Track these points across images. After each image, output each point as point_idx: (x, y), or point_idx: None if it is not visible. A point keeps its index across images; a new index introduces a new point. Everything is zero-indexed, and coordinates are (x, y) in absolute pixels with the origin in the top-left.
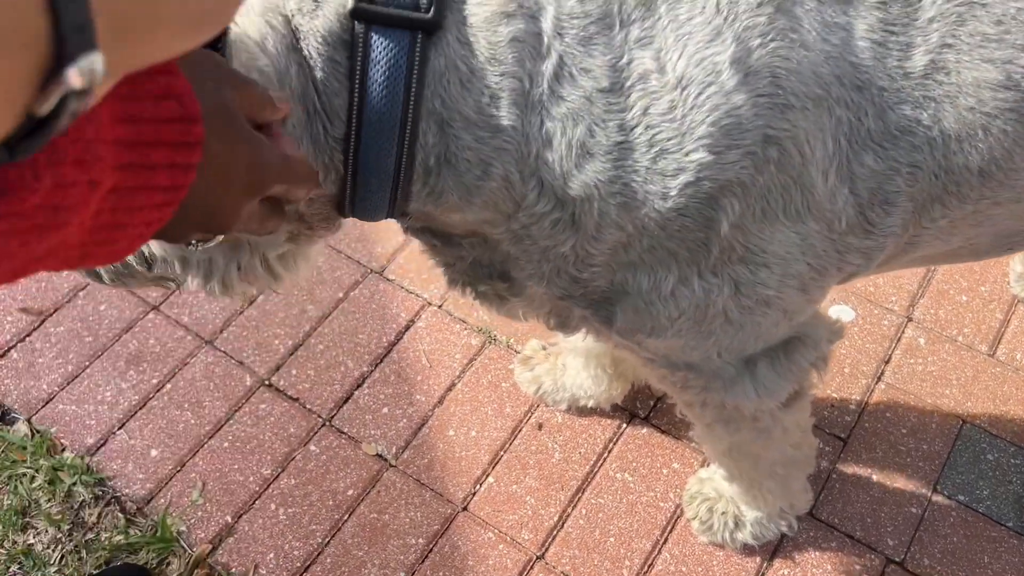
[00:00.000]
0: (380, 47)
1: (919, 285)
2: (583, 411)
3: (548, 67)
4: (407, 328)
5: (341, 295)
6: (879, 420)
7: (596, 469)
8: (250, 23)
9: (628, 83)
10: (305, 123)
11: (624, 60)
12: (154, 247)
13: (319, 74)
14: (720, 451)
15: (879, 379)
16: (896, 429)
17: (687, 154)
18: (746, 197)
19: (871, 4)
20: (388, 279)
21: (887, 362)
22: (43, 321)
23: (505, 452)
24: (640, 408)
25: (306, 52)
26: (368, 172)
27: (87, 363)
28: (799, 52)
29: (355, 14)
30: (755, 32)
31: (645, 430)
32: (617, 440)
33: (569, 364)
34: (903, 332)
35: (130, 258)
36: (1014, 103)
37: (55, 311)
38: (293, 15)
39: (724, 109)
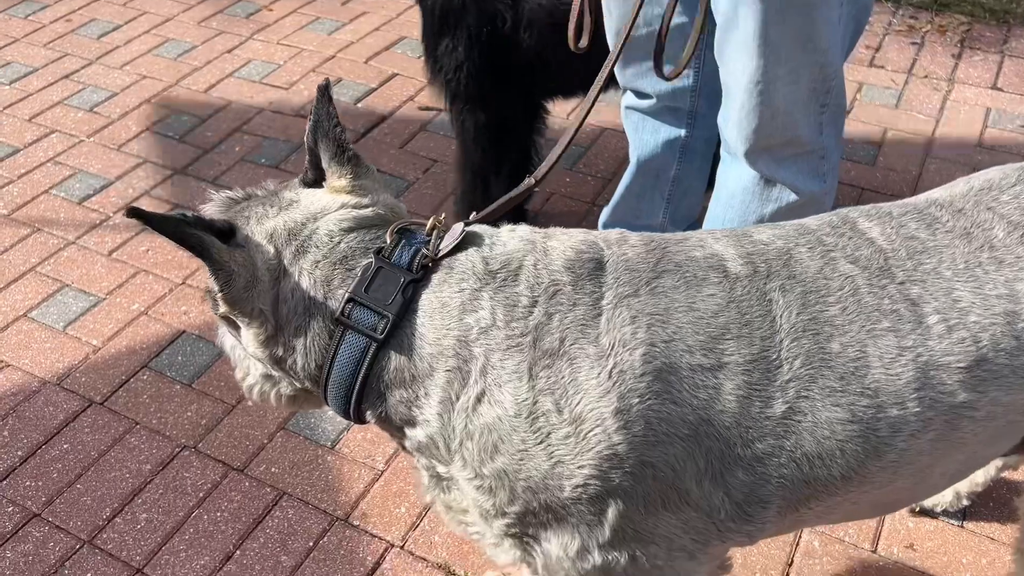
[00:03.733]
0: (347, 342)
1: None
2: None
3: (473, 392)
4: (374, 570)
5: (311, 544)
6: None
7: None
8: (303, 279)
9: (533, 415)
10: (300, 354)
11: (530, 400)
12: (253, 352)
13: (311, 336)
14: None
15: None
16: None
17: (579, 467)
18: (628, 499)
19: (738, 371)
20: (353, 525)
21: (790, 564)
22: None
23: None
24: None
25: (311, 321)
26: (333, 401)
27: None
28: (669, 406)
29: (336, 321)
30: (636, 393)
31: None
32: None
33: None
34: (800, 536)
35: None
36: (860, 431)
37: None
38: (314, 304)
39: (605, 445)
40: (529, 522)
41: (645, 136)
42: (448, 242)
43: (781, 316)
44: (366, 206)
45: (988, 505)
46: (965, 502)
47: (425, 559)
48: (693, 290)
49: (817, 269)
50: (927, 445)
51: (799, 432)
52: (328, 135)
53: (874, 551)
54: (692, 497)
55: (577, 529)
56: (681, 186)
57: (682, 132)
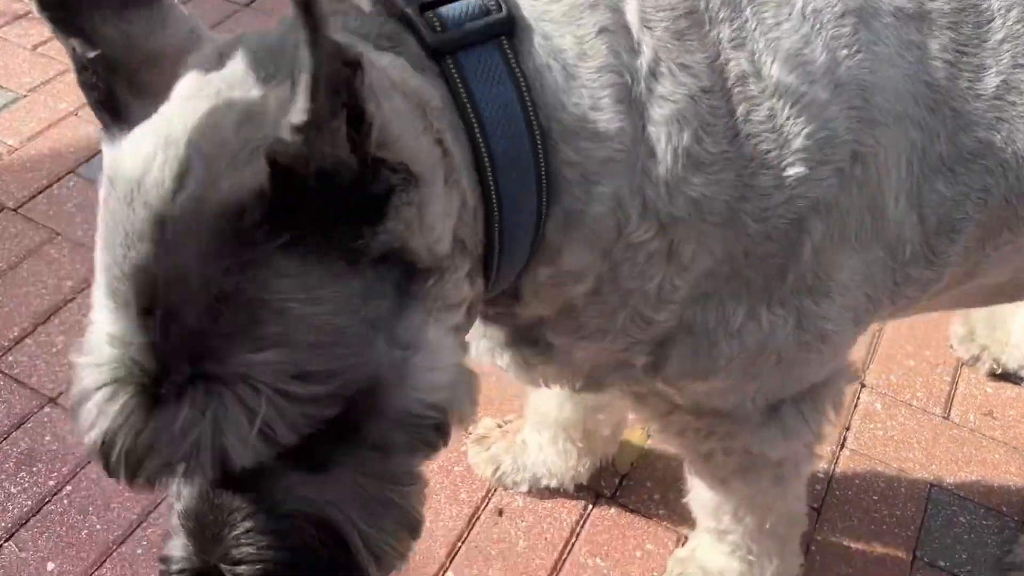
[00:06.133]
0: (474, 68)
1: (867, 351)
2: (545, 493)
3: (643, 62)
4: None
5: None
6: (849, 487)
7: (565, 556)
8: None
9: (728, 84)
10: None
11: (721, 59)
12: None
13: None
14: (727, 511)
15: (843, 446)
16: (867, 496)
17: (784, 169)
18: (828, 218)
19: (943, 24)
20: None
21: (848, 428)
22: None
23: (463, 543)
24: (605, 487)
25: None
26: (510, 211)
27: None
28: (882, 66)
29: (434, 53)
30: (841, 42)
31: (613, 510)
32: (584, 523)
33: (530, 441)
34: (858, 398)
35: None
36: None
37: None
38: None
39: (819, 122)
40: (688, 303)
41: None
42: None
43: None
44: None
45: None
46: None
47: None
48: None
49: None
50: None
51: (1011, 121)
52: None
53: (946, 417)
54: (885, 223)
55: (749, 287)
56: None
57: None
